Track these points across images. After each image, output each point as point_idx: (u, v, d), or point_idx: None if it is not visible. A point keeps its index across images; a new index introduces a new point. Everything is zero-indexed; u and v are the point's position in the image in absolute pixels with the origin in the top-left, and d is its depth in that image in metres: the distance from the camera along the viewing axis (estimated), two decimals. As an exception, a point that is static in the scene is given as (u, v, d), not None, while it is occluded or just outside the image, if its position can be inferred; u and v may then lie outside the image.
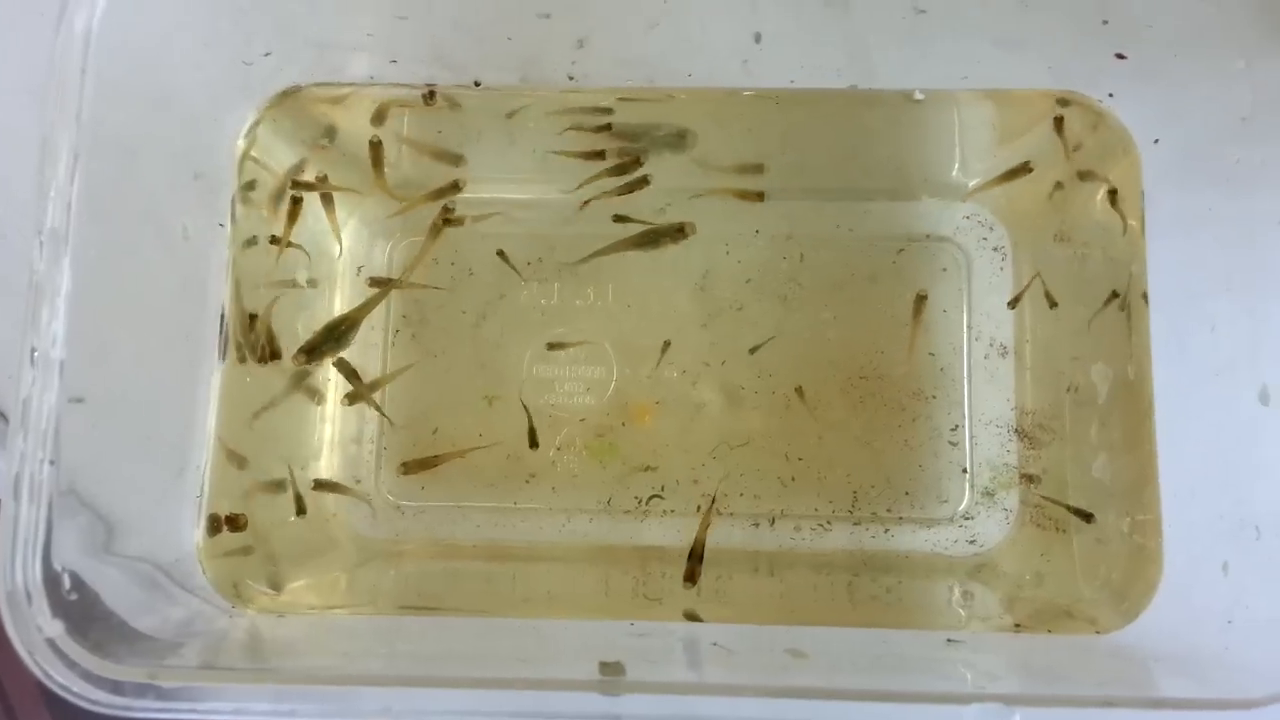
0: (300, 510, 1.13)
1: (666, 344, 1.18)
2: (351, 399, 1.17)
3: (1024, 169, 1.14)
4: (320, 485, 1.15)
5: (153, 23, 0.94)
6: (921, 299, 1.16)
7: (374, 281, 1.19)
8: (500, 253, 1.19)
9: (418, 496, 1.17)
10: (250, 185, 1.11)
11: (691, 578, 1.11)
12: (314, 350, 1.15)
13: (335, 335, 1.17)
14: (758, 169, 1.19)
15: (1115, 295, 1.06)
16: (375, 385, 1.18)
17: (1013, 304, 1.15)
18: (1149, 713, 0.72)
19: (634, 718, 0.74)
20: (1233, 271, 0.91)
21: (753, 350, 1.17)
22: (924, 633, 1.01)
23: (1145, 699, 0.72)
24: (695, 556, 1.11)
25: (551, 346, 1.19)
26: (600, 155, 1.17)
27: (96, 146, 0.86)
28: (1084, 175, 1.10)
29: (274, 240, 1.14)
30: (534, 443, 1.17)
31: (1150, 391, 0.98)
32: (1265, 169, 0.89)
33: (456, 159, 1.20)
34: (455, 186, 1.19)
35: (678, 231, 1.18)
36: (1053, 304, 1.13)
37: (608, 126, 1.16)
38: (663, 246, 1.18)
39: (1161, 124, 1.00)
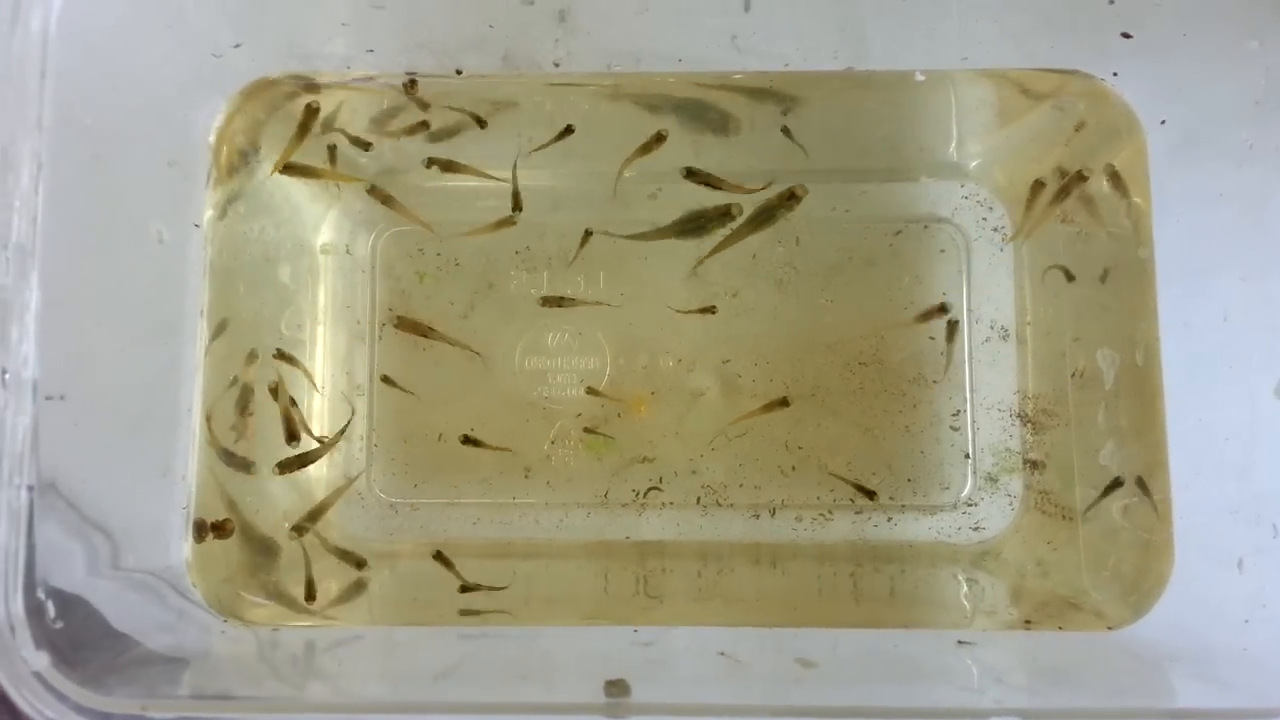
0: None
1: (587, 233, 1.14)
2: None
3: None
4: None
5: (115, 17, 0.90)
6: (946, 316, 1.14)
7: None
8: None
9: (410, 494, 1.14)
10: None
11: None
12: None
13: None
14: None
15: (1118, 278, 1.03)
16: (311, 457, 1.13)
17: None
18: (1170, 723, 0.70)
19: (642, 739, 0.72)
20: (1247, 257, 0.89)
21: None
22: (934, 633, 1.00)
23: (1167, 710, 0.70)
24: None
25: (546, 301, 1.15)
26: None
27: (61, 152, 0.82)
28: (1087, 156, 1.07)
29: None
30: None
31: (1159, 378, 0.96)
32: (1280, 153, 0.86)
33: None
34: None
35: (790, 199, 1.12)
36: (1070, 277, 1.10)
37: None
38: (778, 220, 1.13)
39: (1168, 104, 0.97)
